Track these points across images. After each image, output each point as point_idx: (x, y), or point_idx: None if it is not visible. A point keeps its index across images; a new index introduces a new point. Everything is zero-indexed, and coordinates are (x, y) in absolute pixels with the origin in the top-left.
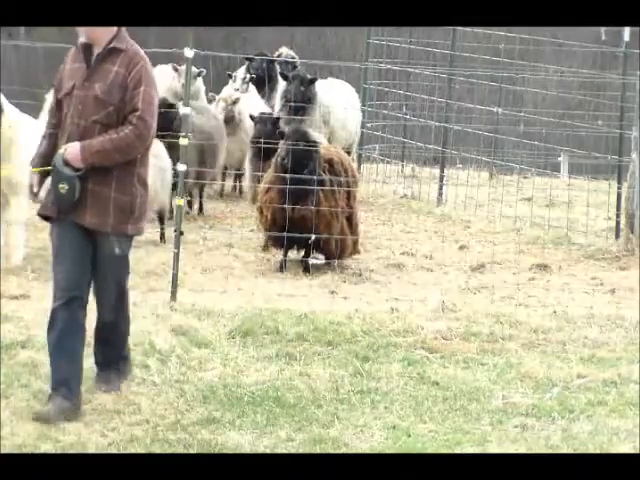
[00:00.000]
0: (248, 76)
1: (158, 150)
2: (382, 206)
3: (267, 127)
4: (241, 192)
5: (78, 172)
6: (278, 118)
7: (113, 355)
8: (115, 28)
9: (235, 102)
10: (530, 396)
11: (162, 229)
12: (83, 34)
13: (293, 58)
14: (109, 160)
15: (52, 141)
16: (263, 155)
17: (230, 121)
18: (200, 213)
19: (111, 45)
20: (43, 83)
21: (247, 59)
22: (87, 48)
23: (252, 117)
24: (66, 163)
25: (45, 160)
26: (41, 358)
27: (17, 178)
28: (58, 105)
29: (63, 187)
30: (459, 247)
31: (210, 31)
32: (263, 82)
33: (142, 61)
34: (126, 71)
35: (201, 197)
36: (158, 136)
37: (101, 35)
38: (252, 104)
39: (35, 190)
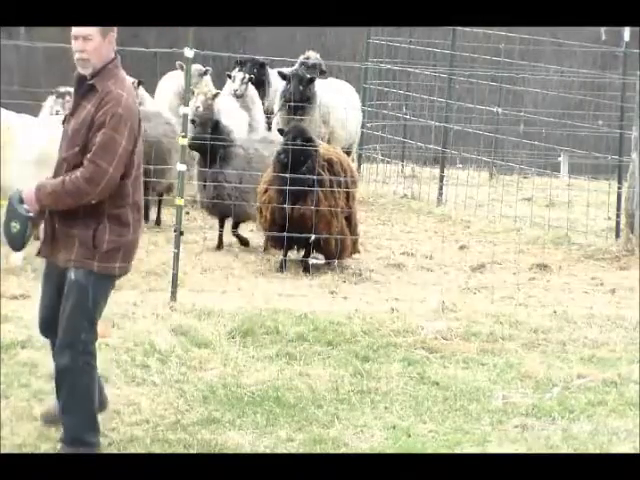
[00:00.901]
0: (247, 76)
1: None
2: (382, 206)
3: (207, 130)
4: None
5: (30, 214)
6: (218, 121)
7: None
8: (102, 62)
9: (215, 97)
10: (530, 396)
11: None
12: (78, 64)
13: (320, 64)
14: (62, 203)
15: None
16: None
17: (208, 115)
18: (157, 224)
19: (90, 81)
20: (43, 83)
21: (237, 62)
22: (80, 80)
23: (193, 120)
24: (22, 202)
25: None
26: (41, 358)
27: (14, 180)
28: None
29: (15, 226)
30: (459, 247)
31: (210, 31)
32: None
33: (112, 102)
34: (95, 111)
35: (159, 207)
36: None
37: (87, 70)
38: (227, 106)
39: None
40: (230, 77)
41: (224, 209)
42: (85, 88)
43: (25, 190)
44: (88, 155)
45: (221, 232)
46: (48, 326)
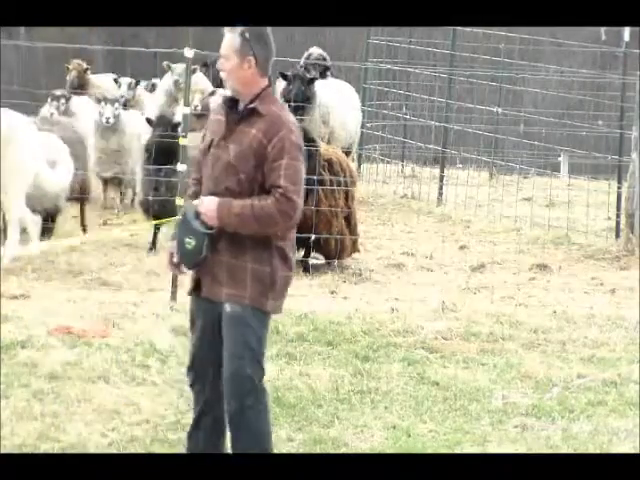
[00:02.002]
0: (134, 81)
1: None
2: (382, 206)
3: (166, 131)
4: None
5: (209, 230)
6: (178, 123)
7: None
8: (260, 85)
9: (212, 94)
10: (530, 396)
11: (52, 224)
12: (229, 86)
13: (324, 59)
14: (245, 227)
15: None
16: (158, 161)
17: (203, 114)
18: (47, 237)
19: (252, 105)
20: (43, 83)
21: (204, 64)
22: (231, 102)
23: (149, 120)
24: (198, 217)
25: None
26: (41, 358)
27: (8, 178)
28: (203, 158)
29: (190, 242)
30: (459, 247)
31: (210, 31)
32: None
33: (285, 129)
34: (265, 138)
35: (52, 220)
36: None
37: (247, 91)
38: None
39: (175, 262)
40: (116, 82)
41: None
42: (243, 112)
43: (205, 204)
44: (279, 189)
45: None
46: (201, 365)
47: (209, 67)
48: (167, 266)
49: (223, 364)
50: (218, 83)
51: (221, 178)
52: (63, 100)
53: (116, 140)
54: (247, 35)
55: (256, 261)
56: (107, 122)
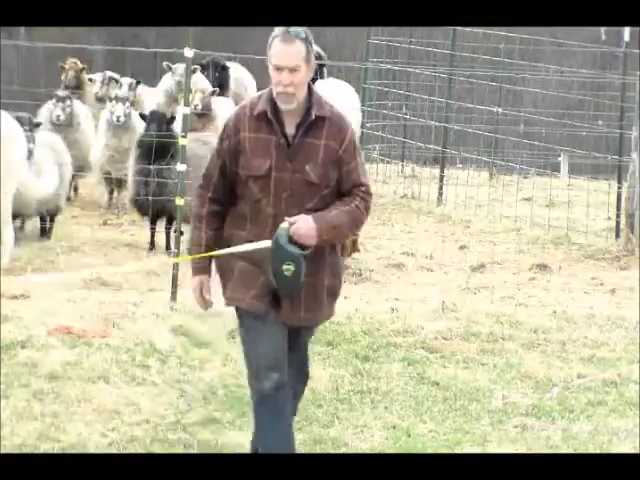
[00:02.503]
0: (134, 82)
1: (56, 144)
2: (382, 206)
3: (161, 126)
4: None
5: (305, 251)
6: (173, 117)
7: None
8: (305, 87)
9: (213, 94)
10: (530, 396)
11: (51, 224)
12: (294, 99)
13: (320, 57)
14: (342, 236)
15: (217, 225)
16: (153, 156)
17: (205, 114)
18: (47, 237)
19: (313, 113)
20: (43, 83)
21: (201, 65)
22: (277, 115)
23: (142, 115)
24: (290, 241)
25: (207, 247)
26: (41, 358)
27: (4, 179)
28: (231, 184)
29: (289, 269)
30: (459, 247)
31: (210, 31)
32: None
33: (348, 126)
34: (336, 143)
35: (51, 220)
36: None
37: (290, 105)
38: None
39: (206, 296)
40: (117, 82)
41: (166, 206)
42: (305, 124)
43: (298, 225)
44: (362, 187)
45: (153, 229)
46: (278, 363)
47: (207, 68)
48: (199, 301)
49: (293, 366)
50: (217, 84)
51: (299, 200)
52: (69, 102)
53: (128, 139)
54: (309, 39)
55: (331, 275)
56: (118, 120)
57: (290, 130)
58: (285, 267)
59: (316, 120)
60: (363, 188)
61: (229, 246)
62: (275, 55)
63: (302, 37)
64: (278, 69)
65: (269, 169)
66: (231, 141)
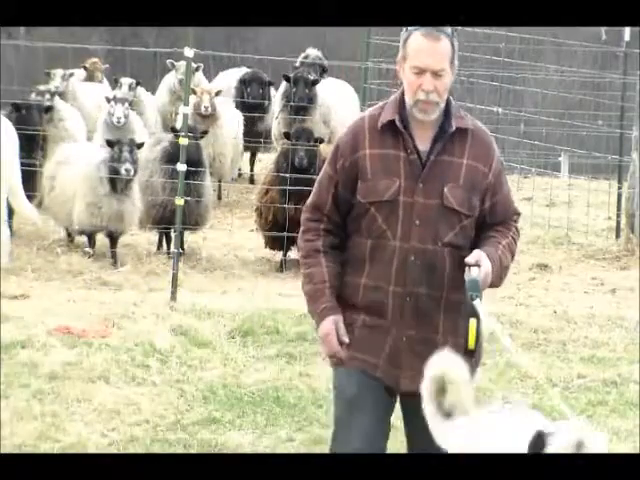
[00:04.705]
0: (134, 82)
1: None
2: None
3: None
4: (220, 197)
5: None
6: (206, 132)
7: None
8: (444, 96)
9: (218, 94)
10: (530, 396)
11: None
12: (419, 109)
13: (320, 59)
14: (504, 279)
15: (338, 259)
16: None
17: (211, 115)
18: None
19: (452, 125)
20: (43, 83)
21: (241, 81)
22: (406, 126)
23: (174, 129)
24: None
25: (331, 284)
26: (41, 358)
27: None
28: (345, 216)
29: (480, 322)
30: None
31: (210, 31)
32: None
33: (494, 144)
34: (484, 165)
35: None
36: None
37: (430, 115)
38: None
39: (344, 339)
40: (117, 82)
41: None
42: (444, 138)
43: (484, 270)
44: (517, 215)
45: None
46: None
47: (248, 85)
48: (334, 349)
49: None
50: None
51: (434, 231)
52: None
53: None
54: (455, 37)
55: (450, 330)
56: (118, 122)
57: (423, 145)
58: (472, 324)
59: (456, 133)
60: (516, 217)
61: (340, 302)
62: (416, 53)
63: (448, 34)
64: (419, 71)
65: (397, 192)
66: (347, 161)
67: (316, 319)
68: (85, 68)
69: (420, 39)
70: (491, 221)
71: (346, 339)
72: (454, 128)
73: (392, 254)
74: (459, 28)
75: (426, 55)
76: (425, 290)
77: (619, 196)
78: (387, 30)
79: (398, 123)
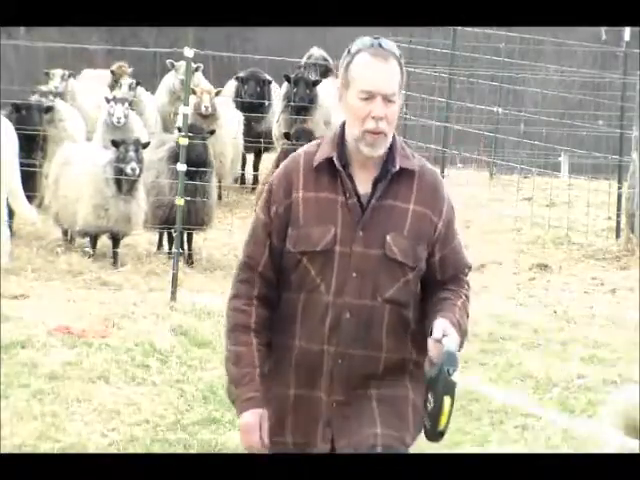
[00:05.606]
0: (134, 82)
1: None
2: None
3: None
4: (220, 197)
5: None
6: (213, 131)
7: None
8: (393, 127)
9: (217, 94)
10: (530, 396)
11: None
12: (367, 141)
13: (325, 59)
14: (462, 346)
15: (269, 337)
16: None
17: (211, 115)
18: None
19: (396, 164)
20: (43, 83)
21: (238, 79)
22: (344, 164)
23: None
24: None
25: (261, 369)
26: (41, 358)
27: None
28: (277, 268)
29: (449, 404)
30: None
31: (210, 31)
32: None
33: (444, 189)
34: (432, 212)
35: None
36: None
37: (379, 150)
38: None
39: (265, 440)
40: (117, 82)
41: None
42: (386, 180)
43: (453, 338)
44: (468, 265)
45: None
46: None
47: (245, 82)
48: (255, 445)
49: None
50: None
51: (373, 286)
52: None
53: None
54: (401, 57)
55: (417, 387)
56: (118, 122)
57: (364, 188)
58: (446, 403)
59: (401, 174)
60: (467, 270)
61: (276, 363)
62: (363, 76)
63: (397, 54)
64: (368, 96)
65: (332, 242)
66: (280, 206)
67: (238, 405)
68: (112, 72)
69: (368, 59)
70: (442, 277)
71: (266, 440)
72: (398, 167)
73: (325, 310)
74: (459, 28)
75: (376, 77)
76: (360, 352)
77: (619, 196)
78: (387, 30)
79: (336, 161)
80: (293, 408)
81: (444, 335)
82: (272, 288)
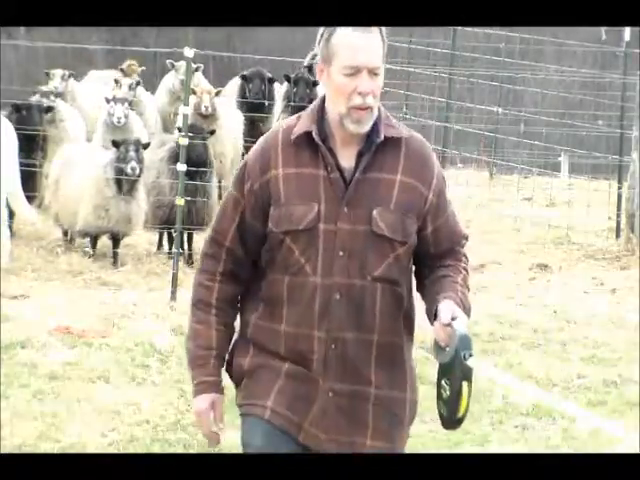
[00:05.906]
0: (134, 81)
1: None
2: None
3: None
4: (220, 197)
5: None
6: (213, 131)
7: None
8: (378, 101)
9: (217, 94)
10: (530, 396)
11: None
12: (353, 118)
13: None
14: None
15: (231, 317)
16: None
17: (211, 115)
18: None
19: (380, 134)
20: (43, 83)
21: (243, 77)
22: (326, 139)
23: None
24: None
25: (219, 352)
26: (41, 358)
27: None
28: (254, 248)
29: (467, 390)
30: None
31: (210, 31)
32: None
33: (435, 158)
34: (421, 182)
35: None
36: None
37: (365, 126)
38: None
39: (219, 426)
40: (116, 82)
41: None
42: (371, 151)
43: (462, 319)
44: (465, 241)
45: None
46: None
47: (249, 81)
48: (207, 431)
49: None
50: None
51: (361, 264)
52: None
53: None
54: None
55: (414, 387)
56: (119, 122)
57: (347, 161)
58: (465, 389)
59: (387, 145)
60: (464, 242)
61: (257, 347)
62: (347, 50)
63: (379, 31)
64: (353, 71)
65: (316, 219)
66: (255, 183)
67: (193, 389)
68: (122, 70)
69: (351, 33)
70: (436, 251)
71: (221, 425)
72: (382, 137)
73: (313, 293)
74: (459, 28)
75: (361, 51)
76: (353, 334)
77: (619, 196)
78: (387, 30)
79: (315, 135)
80: (285, 384)
81: (453, 318)
82: (240, 264)
